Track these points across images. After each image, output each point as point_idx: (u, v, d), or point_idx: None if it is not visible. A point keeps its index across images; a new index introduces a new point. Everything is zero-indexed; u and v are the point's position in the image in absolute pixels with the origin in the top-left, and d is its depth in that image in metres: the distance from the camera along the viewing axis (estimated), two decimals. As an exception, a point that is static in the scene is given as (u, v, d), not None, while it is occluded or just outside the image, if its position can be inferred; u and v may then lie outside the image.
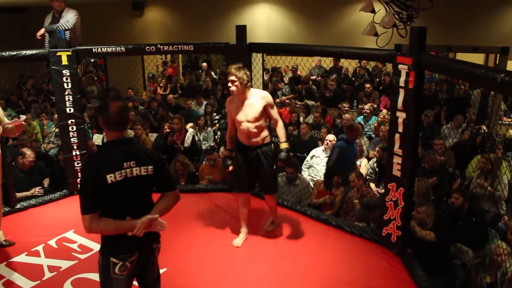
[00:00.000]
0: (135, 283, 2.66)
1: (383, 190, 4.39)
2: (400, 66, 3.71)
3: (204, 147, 7.13)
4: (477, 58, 9.35)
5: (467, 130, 6.50)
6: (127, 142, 2.47)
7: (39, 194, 5.22)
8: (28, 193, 5.17)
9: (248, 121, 3.89)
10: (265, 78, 7.23)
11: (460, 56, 8.57)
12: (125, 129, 2.46)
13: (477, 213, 4.52)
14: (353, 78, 9.77)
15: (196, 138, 7.26)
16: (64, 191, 5.34)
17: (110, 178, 2.32)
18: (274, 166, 4.09)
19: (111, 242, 2.44)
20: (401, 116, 3.77)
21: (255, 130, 3.91)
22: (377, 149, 5.82)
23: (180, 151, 6.57)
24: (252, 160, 4.05)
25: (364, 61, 9.96)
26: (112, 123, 2.40)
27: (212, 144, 7.13)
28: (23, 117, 4.25)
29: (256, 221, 4.64)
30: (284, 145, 3.93)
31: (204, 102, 8.97)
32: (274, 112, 3.96)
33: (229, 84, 3.81)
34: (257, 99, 3.88)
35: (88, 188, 2.32)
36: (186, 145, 6.92)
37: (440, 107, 7.62)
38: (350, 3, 9.06)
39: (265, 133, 3.98)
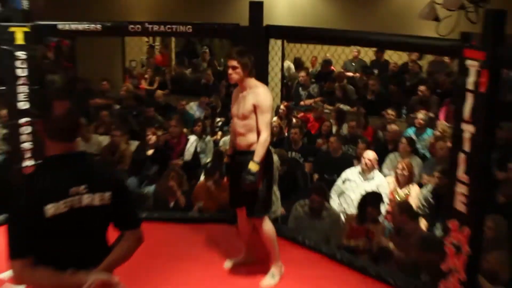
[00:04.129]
0: None
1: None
2: (468, 62, 3.64)
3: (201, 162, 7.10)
4: None
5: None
6: (77, 157, 2.35)
7: None
8: None
9: (238, 117, 4.12)
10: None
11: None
12: (74, 139, 2.35)
13: None
14: (404, 77, 9.71)
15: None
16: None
17: (49, 209, 2.18)
18: (261, 183, 4.11)
19: None
20: (468, 129, 3.69)
21: (241, 130, 4.10)
22: (435, 174, 5.73)
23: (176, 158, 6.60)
24: (234, 168, 4.25)
25: (418, 55, 9.92)
26: (56, 130, 2.25)
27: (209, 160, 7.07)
28: None
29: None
30: (251, 165, 3.94)
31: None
32: (262, 120, 4.00)
33: (230, 71, 4.05)
34: (251, 94, 4.06)
35: (19, 224, 2.20)
36: (186, 157, 6.86)
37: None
38: (402, -23, 9.06)
39: (254, 138, 4.05)
